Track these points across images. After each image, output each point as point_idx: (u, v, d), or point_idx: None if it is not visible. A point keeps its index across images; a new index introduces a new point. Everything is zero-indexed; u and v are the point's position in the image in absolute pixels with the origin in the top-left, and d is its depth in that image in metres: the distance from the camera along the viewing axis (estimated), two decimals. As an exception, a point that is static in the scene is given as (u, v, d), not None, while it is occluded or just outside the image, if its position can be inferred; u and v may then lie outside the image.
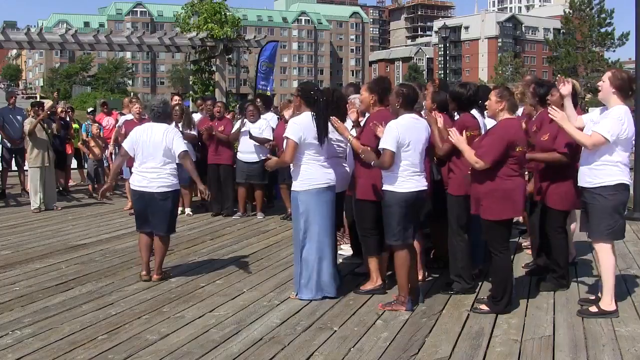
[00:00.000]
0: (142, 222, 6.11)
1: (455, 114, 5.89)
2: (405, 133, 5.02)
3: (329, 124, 5.44)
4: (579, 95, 6.20)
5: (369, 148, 5.15)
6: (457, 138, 5.10)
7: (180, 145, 6.01)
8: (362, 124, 5.82)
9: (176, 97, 11.07)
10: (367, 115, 5.91)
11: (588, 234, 5.14)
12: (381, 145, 5.00)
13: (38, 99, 22.81)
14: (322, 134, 5.31)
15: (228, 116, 10.31)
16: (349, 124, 6.04)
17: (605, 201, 4.87)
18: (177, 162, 6.07)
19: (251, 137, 9.19)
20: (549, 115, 5.09)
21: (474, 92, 5.65)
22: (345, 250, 6.91)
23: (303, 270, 5.39)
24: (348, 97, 6.48)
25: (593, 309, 4.97)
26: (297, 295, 5.45)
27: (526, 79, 7.61)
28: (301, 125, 5.29)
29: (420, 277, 5.84)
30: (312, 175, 5.33)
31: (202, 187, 6.15)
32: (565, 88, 5.08)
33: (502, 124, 5.00)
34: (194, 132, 9.80)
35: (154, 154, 5.95)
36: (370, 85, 5.67)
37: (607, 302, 4.93)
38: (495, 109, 5.05)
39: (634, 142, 5.18)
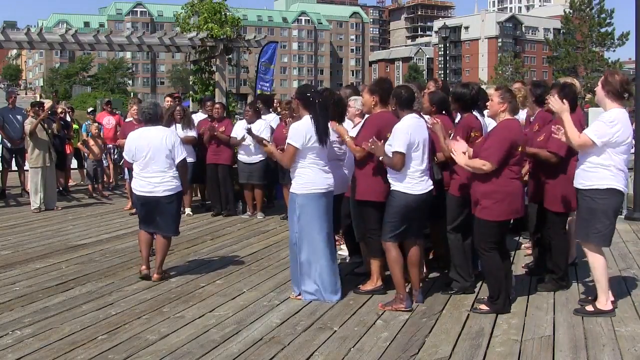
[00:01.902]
0: (147, 224, 6.14)
1: (457, 114, 5.89)
2: (414, 133, 5.04)
3: (330, 126, 5.44)
4: (579, 96, 6.20)
5: (379, 143, 5.14)
6: (459, 158, 5.04)
7: (181, 152, 6.10)
8: (360, 125, 5.82)
9: (168, 98, 11.06)
10: (366, 116, 5.91)
11: (575, 234, 5.14)
12: (393, 149, 5.00)
13: (38, 99, 22.79)
14: (322, 135, 5.30)
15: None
16: (347, 125, 6.04)
17: (594, 204, 4.86)
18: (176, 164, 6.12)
19: (250, 133, 9.16)
20: (549, 104, 5.03)
21: (476, 92, 5.64)
22: (345, 250, 6.91)
23: (304, 273, 5.39)
24: (346, 98, 6.49)
25: (589, 308, 4.98)
26: (297, 295, 5.45)
27: (531, 81, 7.60)
28: (303, 130, 5.27)
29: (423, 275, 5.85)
30: (312, 179, 5.32)
31: (185, 191, 6.42)
32: (557, 106, 4.92)
33: (503, 124, 5.00)
34: (193, 133, 9.79)
35: (155, 159, 5.96)
36: (371, 87, 5.67)
37: (603, 301, 4.94)
38: (497, 110, 5.04)
39: (633, 143, 5.15)
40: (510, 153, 4.89)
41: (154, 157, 5.96)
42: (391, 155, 5.04)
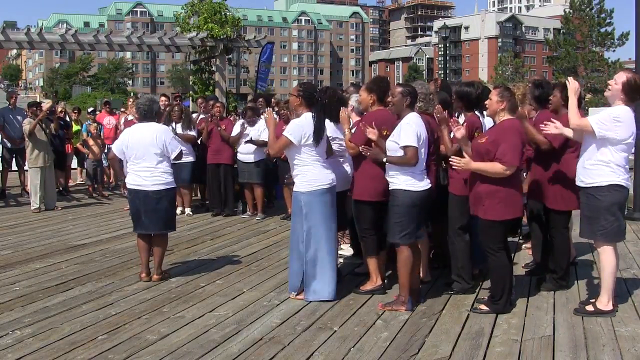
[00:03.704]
0: (136, 222, 6.09)
1: (459, 113, 5.88)
2: (420, 129, 5.04)
3: (332, 122, 5.45)
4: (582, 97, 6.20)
5: (375, 145, 5.14)
6: (466, 163, 4.97)
7: (176, 147, 6.10)
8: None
9: (162, 98, 11.06)
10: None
11: (580, 233, 5.14)
12: (404, 143, 4.95)
13: (38, 99, 22.80)
14: (317, 134, 5.28)
15: (231, 118, 10.35)
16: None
17: (597, 201, 4.86)
18: (172, 161, 6.12)
19: (250, 141, 9.22)
20: (544, 129, 5.18)
21: (482, 91, 5.62)
22: (345, 250, 6.91)
23: (309, 271, 5.38)
24: (349, 97, 6.50)
25: (589, 307, 4.98)
26: (297, 295, 5.45)
27: (532, 79, 7.61)
28: (303, 127, 5.27)
29: (422, 276, 5.84)
30: (315, 176, 5.32)
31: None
32: (572, 86, 5.02)
33: (510, 124, 4.96)
34: (193, 133, 9.80)
35: (145, 154, 5.96)
36: (368, 86, 5.67)
37: (604, 302, 4.94)
38: (496, 109, 5.03)
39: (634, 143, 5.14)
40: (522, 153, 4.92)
41: (144, 153, 5.96)
42: (402, 152, 4.98)
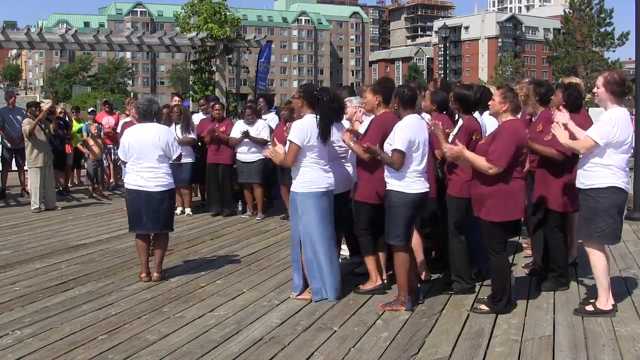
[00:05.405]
0: (135, 222, 6.06)
1: (457, 115, 5.87)
2: (415, 133, 5.03)
3: (333, 127, 5.44)
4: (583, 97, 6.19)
5: (377, 146, 5.13)
6: (459, 150, 5.01)
7: (176, 149, 6.14)
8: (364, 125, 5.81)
9: (176, 98, 11.06)
10: (366, 117, 5.91)
11: (577, 235, 5.14)
12: (394, 146, 4.98)
13: (38, 99, 22.79)
14: (325, 135, 5.29)
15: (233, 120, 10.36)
16: (346, 124, 6.04)
17: (596, 203, 4.87)
18: (171, 162, 6.15)
19: (249, 137, 9.20)
20: (553, 117, 5.15)
21: (480, 94, 5.61)
22: (346, 250, 6.90)
23: (308, 272, 5.38)
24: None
25: (589, 307, 4.99)
26: (298, 295, 5.45)
27: (525, 81, 7.61)
28: (305, 129, 5.27)
29: (423, 277, 5.84)
30: (312, 178, 5.32)
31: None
32: (562, 117, 5.05)
33: (509, 125, 4.96)
34: (193, 136, 9.77)
35: (148, 154, 5.96)
36: (374, 87, 5.66)
37: (603, 301, 4.95)
38: (499, 109, 5.02)
39: (633, 143, 5.14)
40: (517, 155, 4.89)
41: (146, 153, 5.96)
42: (390, 154, 5.03)
